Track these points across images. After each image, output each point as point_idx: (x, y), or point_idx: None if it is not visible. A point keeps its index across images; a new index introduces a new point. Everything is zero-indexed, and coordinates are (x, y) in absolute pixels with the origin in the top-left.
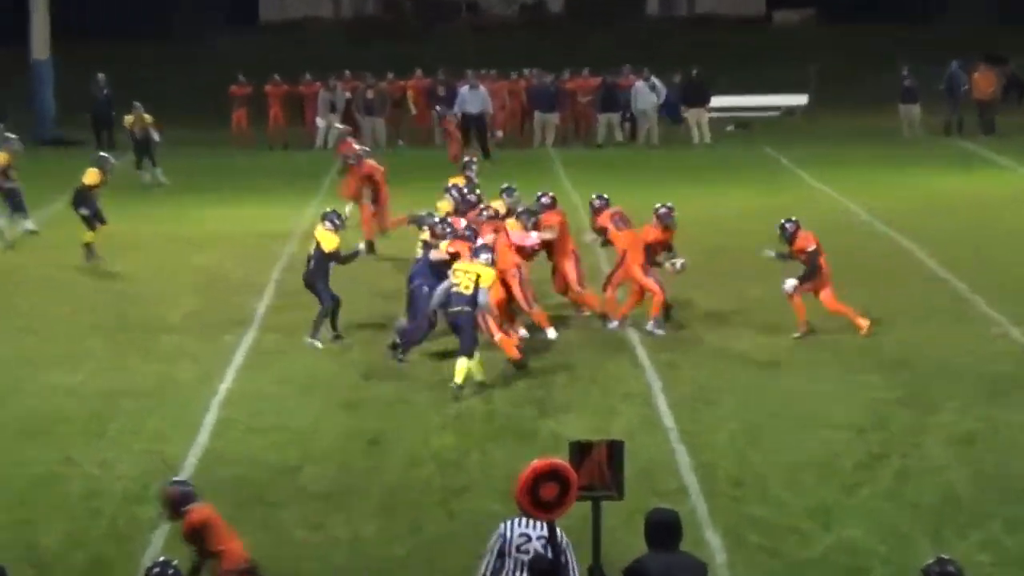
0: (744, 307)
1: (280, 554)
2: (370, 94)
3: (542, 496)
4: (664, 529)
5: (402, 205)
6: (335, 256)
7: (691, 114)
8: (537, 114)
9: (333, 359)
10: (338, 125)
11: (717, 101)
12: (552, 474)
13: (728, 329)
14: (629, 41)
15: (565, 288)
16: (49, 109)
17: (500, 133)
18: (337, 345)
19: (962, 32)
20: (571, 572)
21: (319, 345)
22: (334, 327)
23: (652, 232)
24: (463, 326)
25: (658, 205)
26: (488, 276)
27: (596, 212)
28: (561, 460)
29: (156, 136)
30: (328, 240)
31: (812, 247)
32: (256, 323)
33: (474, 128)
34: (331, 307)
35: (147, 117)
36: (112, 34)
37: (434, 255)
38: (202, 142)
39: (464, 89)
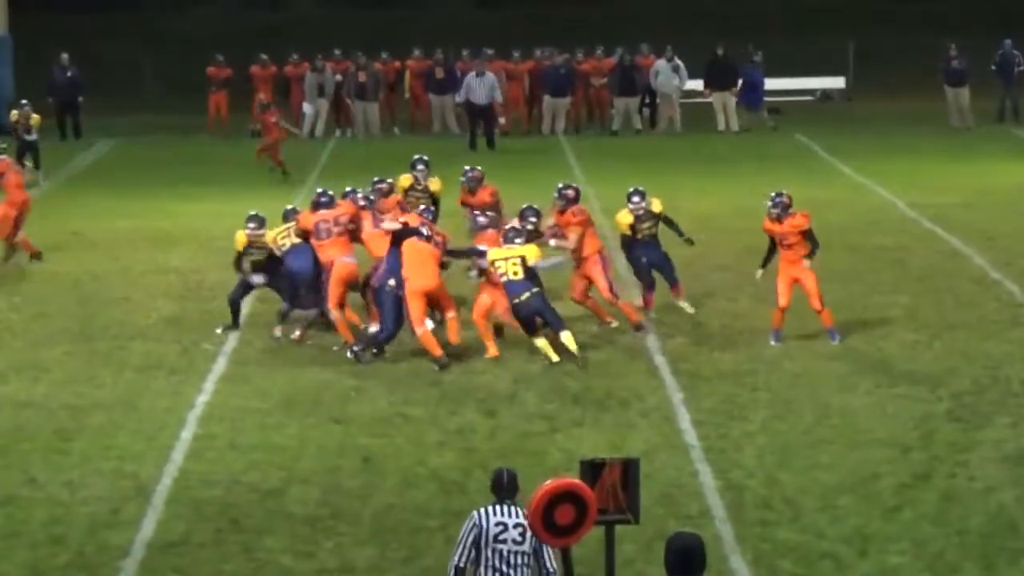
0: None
1: None
2: (361, 76)
3: (557, 520)
4: (686, 556)
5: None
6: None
7: (717, 98)
8: (547, 98)
9: (321, 369)
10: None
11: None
12: (567, 496)
13: (757, 336)
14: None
15: (584, 296)
16: (6, 92)
17: (503, 120)
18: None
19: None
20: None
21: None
22: (281, 320)
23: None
24: (539, 308)
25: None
26: (533, 251)
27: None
28: (576, 480)
29: (33, 136)
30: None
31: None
32: (236, 330)
33: (480, 119)
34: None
35: (35, 117)
36: (74, 7)
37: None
38: (175, 128)
39: (471, 76)
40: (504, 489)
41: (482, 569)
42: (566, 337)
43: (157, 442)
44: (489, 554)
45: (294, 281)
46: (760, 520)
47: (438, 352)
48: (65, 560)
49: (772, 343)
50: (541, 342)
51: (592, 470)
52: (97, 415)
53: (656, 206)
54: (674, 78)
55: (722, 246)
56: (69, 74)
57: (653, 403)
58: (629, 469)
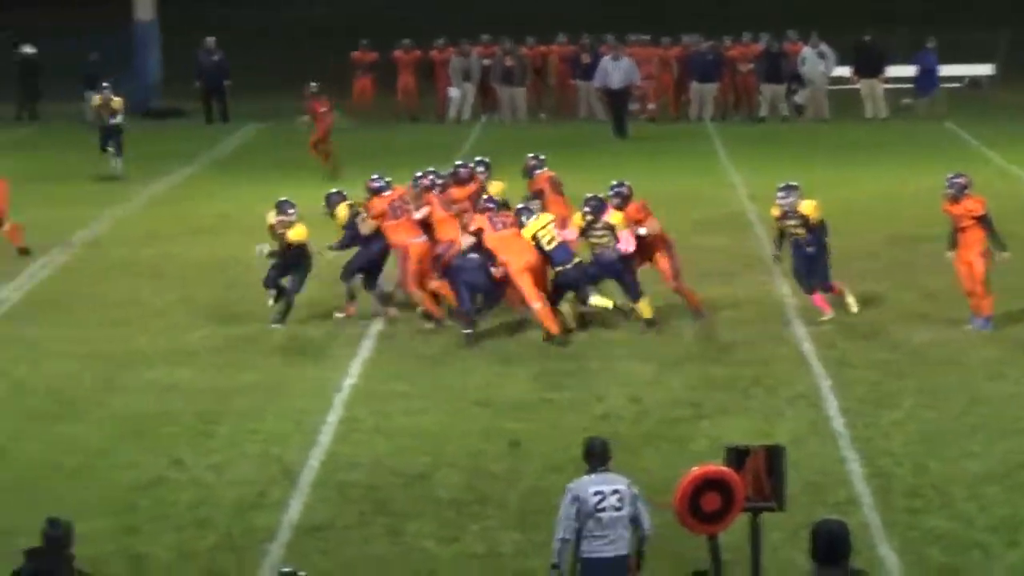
0: (923, 299)
1: (409, 568)
2: (508, 61)
3: (703, 507)
4: (832, 542)
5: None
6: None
7: (864, 85)
8: (694, 84)
9: (467, 353)
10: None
11: (893, 71)
12: (715, 483)
13: (905, 324)
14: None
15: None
16: (153, 76)
17: (652, 106)
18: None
19: None
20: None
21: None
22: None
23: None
24: (609, 267)
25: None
26: (545, 218)
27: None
28: (723, 467)
29: (120, 119)
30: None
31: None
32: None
33: (617, 104)
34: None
35: (116, 100)
36: None
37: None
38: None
39: (607, 59)
40: (597, 457)
41: (584, 537)
42: (643, 303)
43: (303, 425)
44: (592, 524)
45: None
46: (908, 508)
47: (555, 329)
48: (212, 542)
49: (972, 327)
50: (565, 307)
51: (737, 457)
52: (242, 398)
53: (805, 208)
54: (820, 64)
55: (868, 233)
56: (215, 58)
57: (800, 390)
58: (774, 456)
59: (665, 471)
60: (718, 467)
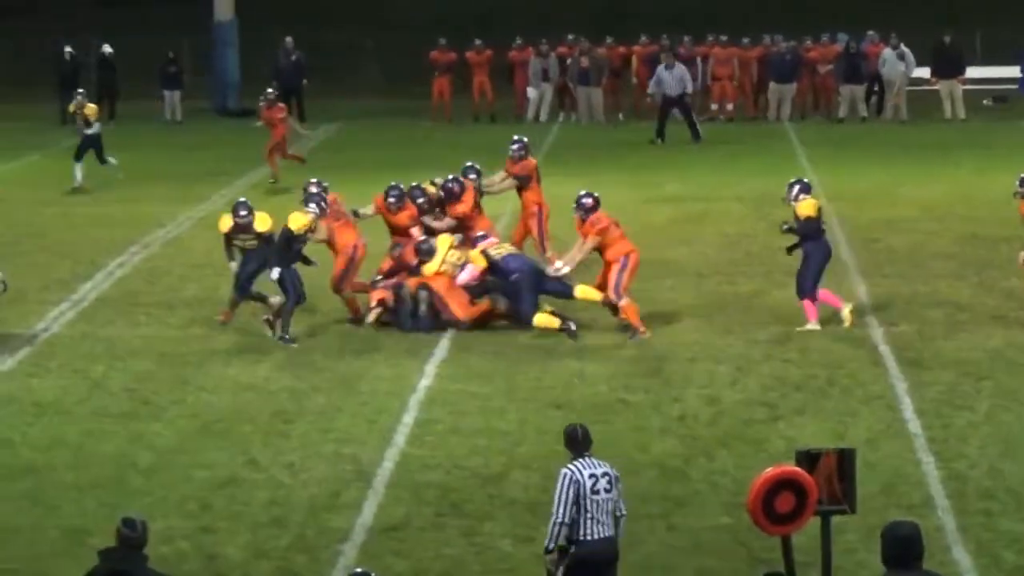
0: (1001, 300)
1: (484, 569)
2: (584, 62)
3: (777, 508)
4: (903, 545)
5: (621, 185)
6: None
7: (943, 86)
8: (772, 84)
9: (544, 354)
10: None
11: (972, 72)
12: (788, 483)
13: (982, 325)
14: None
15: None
16: (232, 76)
17: (731, 106)
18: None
19: None
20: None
21: (295, 345)
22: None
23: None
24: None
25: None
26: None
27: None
28: (797, 468)
29: (96, 129)
30: (293, 219)
31: None
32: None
33: (679, 111)
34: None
35: (90, 107)
36: None
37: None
38: (396, 112)
39: (661, 68)
40: (581, 443)
41: (581, 520)
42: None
43: (378, 425)
44: (588, 505)
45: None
46: (983, 510)
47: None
48: (286, 542)
49: None
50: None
51: (808, 460)
52: (318, 398)
53: (799, 208)
54: (900, 65)
55: (946, 234)
56: (293, 58)
57: (876, 391)
58: (845, 459)
59: (740, 471)
60: (792, 467)
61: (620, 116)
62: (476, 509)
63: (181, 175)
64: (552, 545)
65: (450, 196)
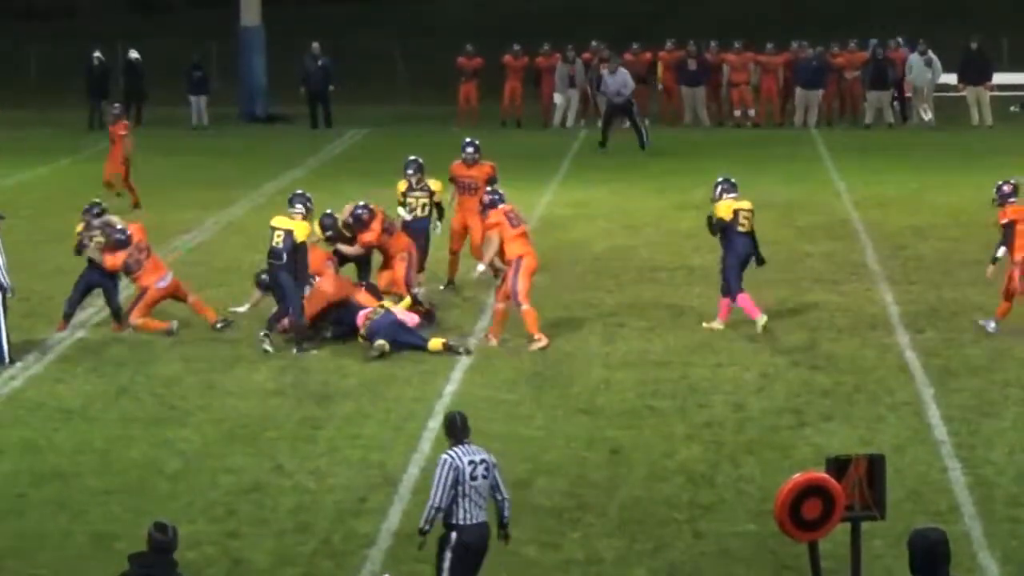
0: None
1: (510, 574)
2: (605, 69)
3: (804, 514)
4: (929, 552)
5: (648, 192)
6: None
7: (970, 92)
8: (798, 90)
9: (570, 360)
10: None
11: (1000, 78)
12: (815, 490)
13: (1009, 332)
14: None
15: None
16: (259, 81)
17: (753, 112)
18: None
19: None
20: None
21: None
22: (270, 327)
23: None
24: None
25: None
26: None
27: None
28: (824, 474)
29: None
30: (300, 228)
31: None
32: (485, 320)
33: (618, 116)
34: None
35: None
36: None
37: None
38: (424, 118)
39: (604, 72)
40: (460, 430)
41: (459, 505)
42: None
43: (404, 432)
44: (466, 490)
45: None
46: (1010, 517)
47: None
48: (312, 548)
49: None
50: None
51: (838, 466)
52: (345, 404)
53: (717, 209)
54: (927, 72)
55: (972, 241)
56: (320, 63)
57: (903, 398)
58: (875, 465)
59: (767, 478)
60: (819, 474)
61: (646, 121)
62: None
63: (208, 180)
64: (428, 527)
65: (358, 223)
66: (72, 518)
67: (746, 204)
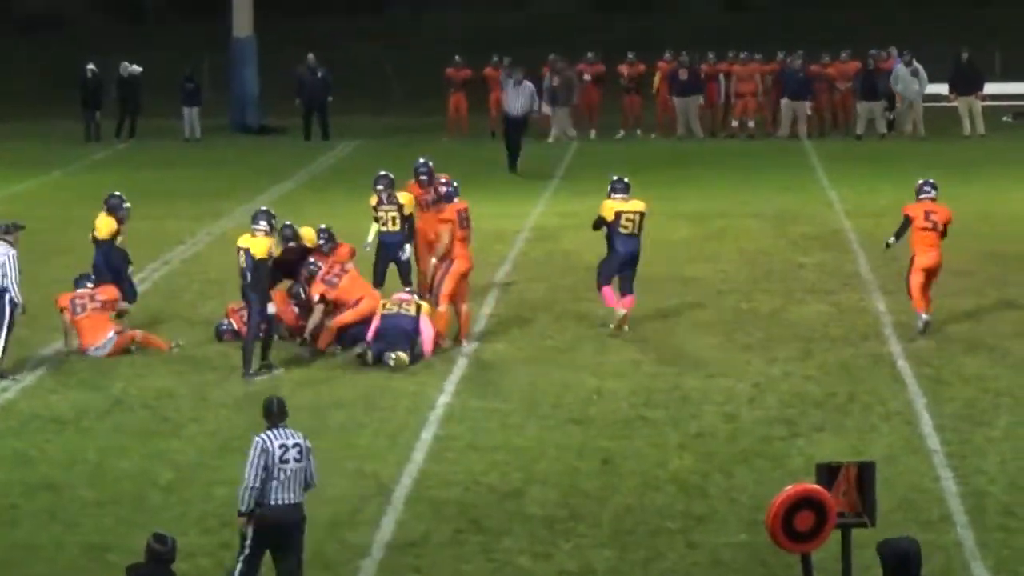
0: (1018, 317)
1: None
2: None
3: (796, 526)
4: (901, 560)
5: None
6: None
7: (962, 102)
8: (785, 101)
9: (562, 370)
10: None
11: (992, 88)
12: (808, 502)
13: (1001, 341)
14: (889, 17)
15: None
16: (252, 92)
17: (752, 123)
18: (268, 377)
19: None
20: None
21: (258, 379)
22: (264, 355)
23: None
24: None
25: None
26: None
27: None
28: (816, 486)
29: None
30: (256, 245)
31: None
32: (478, 330)
33: (514, 133)
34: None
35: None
36: (318, 8)
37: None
38: (417, 129)
39: (509, 85)
40: (276, 415)
41: (272, 487)
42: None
43: (398, 442)
44: (276, 472)
45: None
46: (1001, 526)
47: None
48: (306, 558)
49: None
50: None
51: (828, 474)
52: (339, 414)
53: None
54: (914, 83)
55: (964, 251)
56: (319, 75)
57: (895, 407)
58: (864, 472)
59: (759, 488)
60: (812, 486)
61: (638, 132)
62: (494, 525)
63: (200, 192)
64: (244, 508)
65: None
66: (65, 529)
67: (634, 207)
